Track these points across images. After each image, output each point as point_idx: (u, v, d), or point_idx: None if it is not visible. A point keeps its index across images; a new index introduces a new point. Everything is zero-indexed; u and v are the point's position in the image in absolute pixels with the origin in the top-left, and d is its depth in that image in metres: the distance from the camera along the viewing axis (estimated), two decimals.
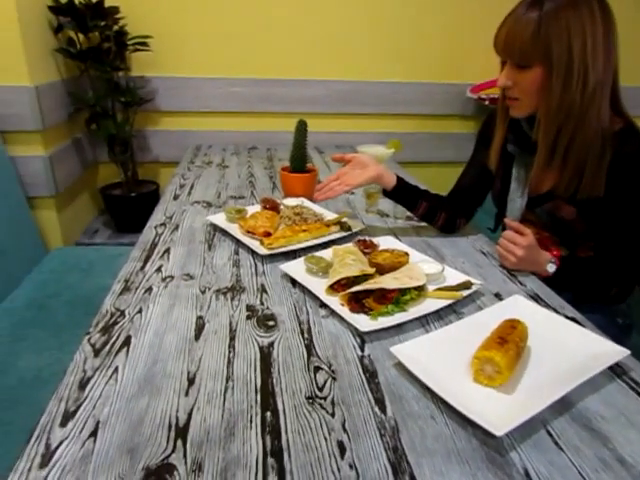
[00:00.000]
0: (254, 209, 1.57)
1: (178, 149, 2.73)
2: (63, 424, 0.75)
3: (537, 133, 1.25)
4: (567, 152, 1.22)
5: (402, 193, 1.45)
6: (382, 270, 1.19)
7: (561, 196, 1.28)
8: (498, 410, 0.79)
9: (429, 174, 1.52)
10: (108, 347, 0.93)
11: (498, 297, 1.17)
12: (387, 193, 1.45)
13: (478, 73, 2.84)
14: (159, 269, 1.23)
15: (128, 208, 2.72)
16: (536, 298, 1.17)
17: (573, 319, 1.07)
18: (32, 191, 2.25)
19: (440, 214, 1.49)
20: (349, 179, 1.40)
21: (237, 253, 1.34)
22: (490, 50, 1.25)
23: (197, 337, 0.97)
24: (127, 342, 0.95)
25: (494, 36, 1.22)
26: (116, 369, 0.87)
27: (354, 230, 1.47)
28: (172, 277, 1.20)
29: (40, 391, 1.26)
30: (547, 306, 1.13)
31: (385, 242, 1.36)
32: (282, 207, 1.59)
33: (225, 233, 1.45)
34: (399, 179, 1.43)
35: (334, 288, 1.12)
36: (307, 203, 1.65)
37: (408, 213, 1.64)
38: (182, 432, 0.75)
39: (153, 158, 2.91)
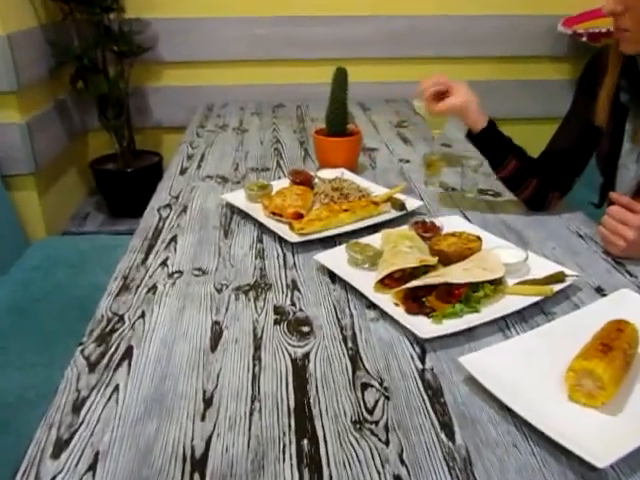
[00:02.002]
0: (281, 184, 1.58)
1: (185, 110, 2.76)
2: (55, 455, 0.78)
3: None
4: None
5: (491, 140, 1.44)
6: (447, 260, 1.19)
7: None
8: (601, 436, 0.79)
9: (510, 135, 1.49)
10: (106, 360, 0.96)
11: (600, 292, 1.15)
12: (472, 137, 1.45)
13: (573, 1, 2.77)
14: (164, 263, 1.26)
15: (125, 187, 2.79)
16: None
17: None
18: (7, 168, 2.31)
19: (531, 180, 1.47)
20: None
21: (261, 241, 1.36)
22: None
23: (214, 347, 0.99)
24: (128, 354, 0.98)
25: None
26: (117, 387, 0.90)
27: (410, 209, 1.46)
28: (181, 272, 1.22)
29: (26, 416, 1.30)
30: None
31: (451, 223, 1.35)
32: (317, 181, 1.60)
33: (245, 216, 1.47)
34: (491, 122, 1.42)
35: (385, 283, 1.12)
36: (349, 175, 1.65)
37: (481, 185, 1.63)
38: (199, 465, 0.77)
39: (154, 123, 2.96)
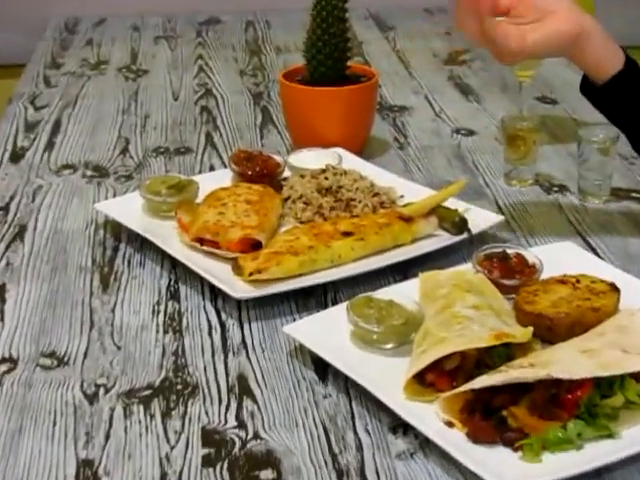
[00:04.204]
0: (217, 181, 1.60)
1: (21, 32, 2.83)
2: None
3: None
4: None
5: (631, 95, 1.46)
6: (551, 332, 1.19)
7: None
8: None
9: None
10: None
11: None
12: (593, 90, 1.46)
13: None
14: None
15: None
16: None
17: None
18: None
19: None
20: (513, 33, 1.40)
21: (175, 296, 1.37)
22: None
23: None
24: None
25: None
26: None
27: (477, 230, 1.46)
28: (14, 362, 1.22)
29: None
30: None
31: (558, 258, 1.35)
32: (289, 175, 1.61)
33: (144, 244, 1.47)
34: (630, 60, 1.44)
35: (429, 382, 1.11)
36: (352, 161, 1.66)
37: (617, 182, 1.65)
38: None
39: None
